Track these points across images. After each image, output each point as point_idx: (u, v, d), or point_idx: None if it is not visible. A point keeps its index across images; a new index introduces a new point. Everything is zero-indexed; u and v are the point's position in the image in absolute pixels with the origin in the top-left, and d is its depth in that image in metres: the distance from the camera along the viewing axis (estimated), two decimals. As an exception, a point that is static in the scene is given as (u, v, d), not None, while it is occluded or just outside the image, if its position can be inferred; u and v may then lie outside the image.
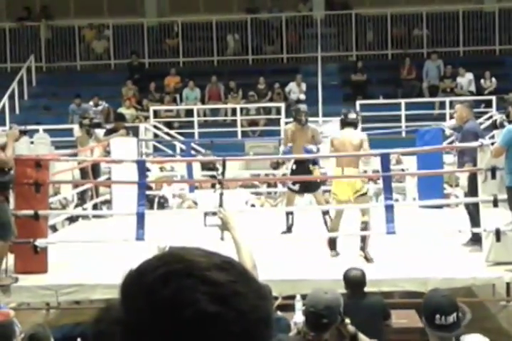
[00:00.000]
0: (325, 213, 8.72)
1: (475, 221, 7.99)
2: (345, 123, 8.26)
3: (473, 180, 8.36)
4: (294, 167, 8.99)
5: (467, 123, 8.88)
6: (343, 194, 7.98)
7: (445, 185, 11.54)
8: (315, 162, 9.00)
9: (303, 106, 9.35)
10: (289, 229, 9.03)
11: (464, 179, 9.10)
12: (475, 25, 19.54)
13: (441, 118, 16.02)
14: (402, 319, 6.56)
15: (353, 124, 8.27)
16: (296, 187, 8.92)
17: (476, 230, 7.84)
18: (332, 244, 8.11)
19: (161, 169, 13.88)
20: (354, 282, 5.84)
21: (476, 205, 8.12)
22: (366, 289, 5.98)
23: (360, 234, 7.92)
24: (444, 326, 3.57)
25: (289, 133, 9.05)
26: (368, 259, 7.69)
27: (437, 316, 3.55)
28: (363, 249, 7.82)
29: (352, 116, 8.26)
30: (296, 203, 9.79)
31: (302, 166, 8.85)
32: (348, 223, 8.39)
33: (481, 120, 15.32)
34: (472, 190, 8.39)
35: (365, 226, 7.92)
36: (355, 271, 5.90)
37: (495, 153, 7.51)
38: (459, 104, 9.25)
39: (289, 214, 9.03)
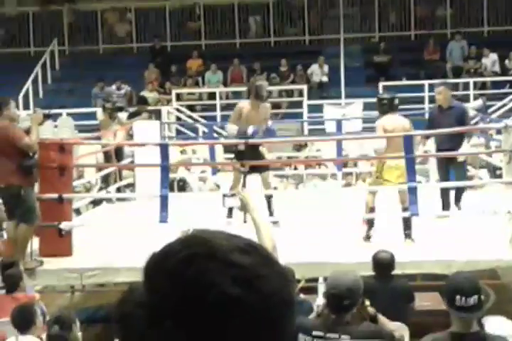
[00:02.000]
0: (270, 197, 8.45)
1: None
2: (392, 108, 8.09)
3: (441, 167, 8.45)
4: (242, 148, 8.48)
5: (456, 103, 9.11)
6: (398, 177, 7.83)
7: (469, 167, 11.46)
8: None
9: (264, 82, 9.18)
10: (229, 213, 8.49)
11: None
12: (499, 4, 19.29)
13: (465, 99, 15.88)
14: (426, 301, 6.57)
15: (397, 109, 8.17)
16: (246, 168, 8.50)
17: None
18: (370, 223, 7.98)
19: (182, 152, 13.89)
20: (381, 264, 5.86)
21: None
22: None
23: (402, 217, 7.80)
24: (465, 307, 3.56)
25: (243, 112, 8.58)
26: (411, 239, 7.63)
27: (457, 297, 3.56)
28: (407, 231, 7.71)
29: (396, 101, 8.16)
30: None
31: (251, 147, 8.43)
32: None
33: (505, 101, 15.23)
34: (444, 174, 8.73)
35: (407, 212, 7.78)
36: (384, 254, 5.92)
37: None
38: (441, 85, 9.29)
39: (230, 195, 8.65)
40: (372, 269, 5.90)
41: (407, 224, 7.77)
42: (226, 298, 0.99)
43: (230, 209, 8.36)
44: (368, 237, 7.92)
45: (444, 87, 9.21)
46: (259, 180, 8.67)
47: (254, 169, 8.61)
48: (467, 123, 9.15)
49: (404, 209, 7.82)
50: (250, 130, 8.48)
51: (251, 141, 8.38)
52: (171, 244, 1.06)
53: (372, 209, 8.03)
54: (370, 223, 8.01)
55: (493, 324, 3.97)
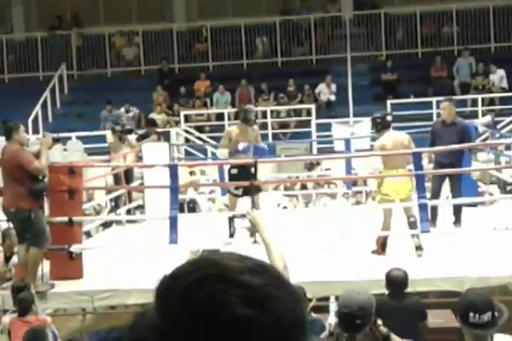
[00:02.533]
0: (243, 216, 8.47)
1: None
2: (386, 126, 8.26)
3: (438, 180, 8.47)
4: (235, 171, 8.58)
5: (459, 120, 9.25)
6: (398, 193, 7.97)
7: (479, 183, 11.44)
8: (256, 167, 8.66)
9: (251, 106, 9.33)
10: (231, 236, 8.49)
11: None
12: (506, 21, 19.34)
13: (474, 115, 15.89)
14: (439, 319, 6.52)
15: (390, 125, 8.37)
16: (239, 191, 8.53)
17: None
18: (383, 244, 8.04)
19: (191, 173, 13.91)
20: (394, 282, 5.83)
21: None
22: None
23: (410, 225, 7.92)
24: (478, 324, 3.55)
25: (232, 135, 8.62)
26: (418, 248, 7.71)
27: (471, 314, 3.54)
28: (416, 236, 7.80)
29: (389, 117, 8.36)
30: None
31: (244, 170, 8.45)
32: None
33: (514, 116, 15.22)
34: (436, 190, 8.85)
35: (413, 218, 7.89)
36: (397, 271, 5.89)
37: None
38: (446, 101, 9.49)
39: (232, 219, 8.49)
40: (386, 287, 5.87)
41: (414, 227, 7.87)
42: (238, 319, 0.98)
43: (233, 230, 8.36)
44: (377, 253, 7.97)
45: (449, 102, 9.38)
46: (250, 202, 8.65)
47: (246, 191, 8.56)
48: (469, 139, 9.25)
49: (410, 217, 7.90)
50: (241, 146, 8.56)
51: (242, 159, 8.49)
52: (182, 266, 1.06)
53: (386, 229, 8.07)
54: (384, 246, 8.05)
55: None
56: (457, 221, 8.92)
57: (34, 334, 5.29)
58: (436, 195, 9.07)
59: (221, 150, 8.73)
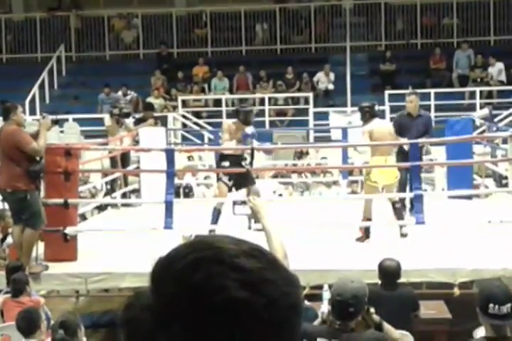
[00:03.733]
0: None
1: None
2: (374, 115, 8.53)
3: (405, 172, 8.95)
4: (227, 164, 8.54)
5: (423, 112, 9.81)
6: (385, 180, 8.29)
7: (474, 176, 11.46)
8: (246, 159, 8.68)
9: (252, 108, 9.33)
10: (217, 219, 8.40)
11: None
12: (506, 13, 19.31)
13: (472, 108, 15.89)
14: (431, 310, 6.54)
15: (377, 115, 8.68)
16: (231, 183, 8.46)
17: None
18: (367, 231, 8.23)
19: (189, 158, 13.90)
20: (387, 272, 5.85)
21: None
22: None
23: (395, 212, 8.22)
24: (498, 315, 3.59)
25: (232, 129, 8.54)
26: (403, 234, 7.99)
27: (491, 305, 3.59)
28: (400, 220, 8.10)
29: (377, 107, 8.72)
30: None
31: (236, 164, 8.49)
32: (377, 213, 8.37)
33: (511, 110, 15.22)
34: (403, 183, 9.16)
35: (399, 204, 8.23)
36: (390, 262, 5.91)
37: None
38: (413, 94, 9.97)
39: (217, 208, 8.40)
40: (378, 277, 5.89)
41: (399, 216, 8.16)
42: (233, 301, 0.98)
43: (218, 215, 8.33)
44: (361, 240, 8.15)
45: (415, 95, 9.91)
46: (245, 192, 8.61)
47: (240, 184, 8.54)
48: (431, 130, 9.79)
49: (395, 203, 8.19)
50: (249, 130, 8.53)
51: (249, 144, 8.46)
52: (178, 248, 1.06)
53: (368, 220, 8.25)
54: (367, 232, 8.21)
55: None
56: (412, 209, 9.10)
57: (27, 315, 5.30)
58: (403, 186, 9.36)
59: (228, 143, 8.54)
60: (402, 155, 9.28)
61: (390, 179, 8.36)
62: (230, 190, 8.57)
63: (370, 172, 8.36)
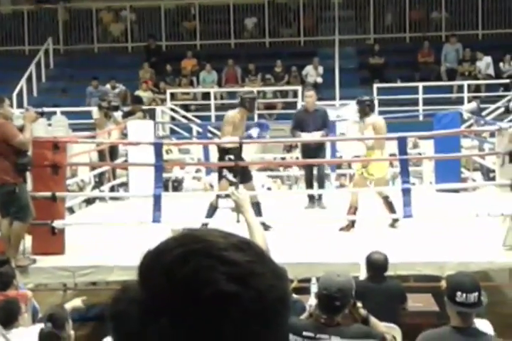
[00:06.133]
0: (258, 204, 8.29)
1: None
2: (373, 109, 8.84)
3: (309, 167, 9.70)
4: (232, 158, 8.38)
5: (319, 106, 10.11)
6: (379, 173, 8.53)
7: (462, 169, 11.49)
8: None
9: (255, 95, 9.33)
10: (212, 214, 8.30)
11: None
12: (494, 7, 19.35)
13: (460, 101, 15.93)
14: (418, 303, 6.57)
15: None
16: (237, 179, 8.31)
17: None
18: (352, 224, 8.40)
19: (167, 152, 13.67)
20: (375, 265, 5.87)
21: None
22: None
23: (388, 206, 8.42)
24: (465, 303, 3.63)
25: (236, 122, 8.39)
26: (393, 225, 8.26)
27: (458, 293, 3.65)
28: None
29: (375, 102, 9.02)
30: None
31: (238, 158, 8.46)
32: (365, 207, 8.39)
33: (499, 104, 15.27)
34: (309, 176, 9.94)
35: (390, 199, 8.41)
36: (378, 255, 5.92)
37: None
38: (311, 90, 10.41)
39: (213, 205, 8.28)
40: (366, 270, 5.91)
41: (392, 210, 8.34)
42: (222, 294, 0.99)
43: (213, 210, 8.29)
44: (347, 229, 8.34)
45: (313, 91, 10.37)
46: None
47: (242, 180, 8.39)
48: (328, 123, 10.16)
49: (386, 197, 8.40)
50: (255, 133, 8.47)
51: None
52: (166, 241, 1.06)
53: (355, 210, 8.46)
54: (352, 224, 8.37)
55: (477, 326, 4.01)
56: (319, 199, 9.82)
57: (6, 305, 5.29)
58: (310, 181, 10.01)
59: (229, 138, 8.35)
60: (304, 149, 9.98)
61: (383, 172, 8.64)
62: (236, 187, 8.43)
63: (368, 164, 8.52)
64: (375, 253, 5.95)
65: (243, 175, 8.42)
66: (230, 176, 8.30)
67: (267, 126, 8.74)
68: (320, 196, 9.92)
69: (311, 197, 9.92)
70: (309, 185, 10.07)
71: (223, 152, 8.52)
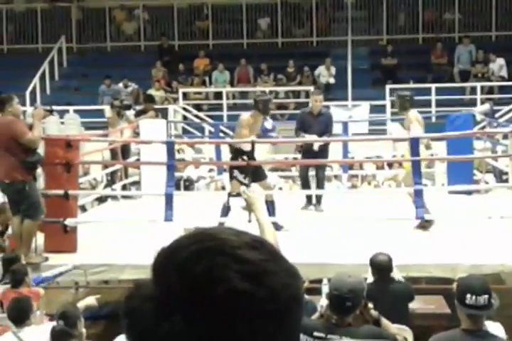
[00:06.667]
0: (272, 202, 8.38)
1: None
2: (413, 104, 8.77)
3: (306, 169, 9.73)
4: (247, 158, 8.42)
5: (324, 110, 10.10)
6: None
7: (475, 171, 11.45)
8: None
9: (270, 97, 9.34)
10: (226, 214, 8.26)
11: None
12: (508, 9, 19.27)
13: (472, 103, 15.88)
14: (430, 305, 6.56)
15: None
16: (247, 180, 8.28)
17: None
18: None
19: (178, 151, 13.66)
20: (380, 267, 5.83)
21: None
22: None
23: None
24: (474, 306, 3.62)
25: (250, 122, 8.42)
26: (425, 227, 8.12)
27: (468, 296, 3.64)
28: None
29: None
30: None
31: (252, 159, 8.49)
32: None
33: (512, 106, 15.22)
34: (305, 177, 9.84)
35: None
36: (382, 256, 5.87)
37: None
38: (320, 94, 10.34)
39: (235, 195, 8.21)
40: (372, 272, 5.85)
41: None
42: (235, 292, 0.99)
43: (227, 210, 8.28)
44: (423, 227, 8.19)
45: (322, 95, 10.35)
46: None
47: (254, 180, 8.32)
48: (332, 127, 10.09)
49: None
50: (269, 125, 8.45)
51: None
52: (180, 239, 1.06)
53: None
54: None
55: (489, 328, 4.00)
56: (318, 203, 9.70)
57: (18, 303, 5.31)
58: (306, 182, 9.93)
59: (246, 139, 8.36)
60: (306, 152, 9.80)
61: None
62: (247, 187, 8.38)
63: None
64: (379, 255, 5.89)
65: (256, 175, 8.40)
66: (241, 177, 8.31)
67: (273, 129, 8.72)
68: (319, 200, 9.78)
69: (309, 198, 9.80)
70: (306, 186, 9.94)
71: (238, 153, 8.51)
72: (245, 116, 8.61)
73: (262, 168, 8.91)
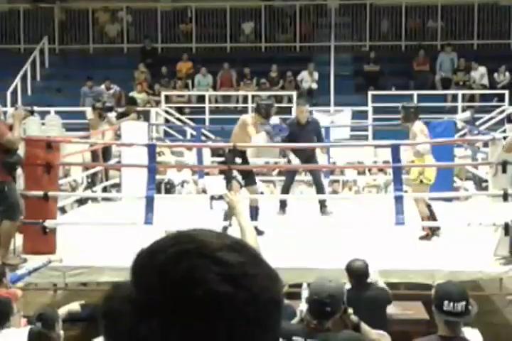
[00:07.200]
0: (257, 208, 8.41)
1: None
2: (417, 115, 8.74)
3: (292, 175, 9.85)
4: (239, 161, 8.43)
5: (311, 118, 10.09)
6: (434, 177, 8.44)
7: (455, 178, 11.51)
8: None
9: (272, 101, 9.30)
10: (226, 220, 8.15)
11: None
12: (490, 18, 19.42)
13: (454, 111, 15.98)
14: (409, 310, 6.57)
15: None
16: (243, 182, 8.36)
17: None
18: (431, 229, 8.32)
19: (159, 154, 13.59)
20: (357, 273, 5.83)
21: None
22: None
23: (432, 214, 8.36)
24: (452, 312, 3.63)
25: (249, 125, 8.35)
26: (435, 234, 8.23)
27: (445, 302, 3.66)
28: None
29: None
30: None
31: (245, 161, 8.53)
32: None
33: (493, 114, 15.33)
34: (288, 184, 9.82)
35: (430, 207, 8.39)
36: (359, 262, 5.88)
37: (507, 148, 7.48)
38: (305, 104, 10.31)
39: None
40: (348, 278, 5.84)
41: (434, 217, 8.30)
42: (214, 295, 0.99)
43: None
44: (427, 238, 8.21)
45: (307, 105, 10.45)
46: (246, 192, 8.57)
47: (247, 182, 8.46)
48: (321, 133, 10.22)
49: (428, 206, 8.34)
50: (277, 120, 8.43)
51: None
52: (160, 240, 1.06)
53: (428, 218, 8.33)
54: (432, 232, 8.29)
55: (467, 335, 4.02)
56: (324, 207, 9.63)
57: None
58: (287, 188, 9.93)
59: (255, 136, 8.31)
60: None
61: (434, 177, 8.51)
62: (241, 187, 8.43)
63: (424, 171, 8.38)
64: (356, 261, 5.88)
65: (248, 178, 8.41)
66: (240, 178, 8.30)
67: (286, 128, 8.67)
68: (324, 203, 9.65)
69: (282, 204, 9.73)
70: (285, 191, 9.88)
71: (235, 154, 8.42)
72: (245, 116, 8.65)
73: (254, 173, 8.89)
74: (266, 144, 8.86)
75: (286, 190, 9.95)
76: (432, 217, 8.35)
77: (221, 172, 9.11)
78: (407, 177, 8.80)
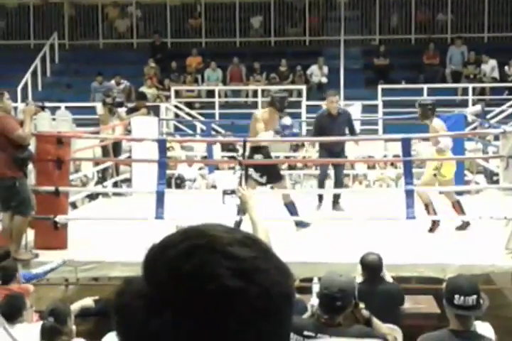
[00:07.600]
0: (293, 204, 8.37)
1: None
2: (434, 112, 8.77)
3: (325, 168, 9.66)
4: (260, 157, 8.36)
5: (342, 110, 9.92)
6: (451, 174, 8.50)
7: (466, 172, 11.48)
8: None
9: (286, 94, 9.16)
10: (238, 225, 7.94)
11: None
12: (500, 11, 19.32)
13: (464, 104, 15.90)
14: (420, 304, 6.56)
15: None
16: (264, 179, 8.30)
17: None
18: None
19: (169, 149, 13.60)
20: (371, 266, 5.82)
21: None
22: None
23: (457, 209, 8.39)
24: (463, 306, 3.63)
25: (265, 119, 8.30)
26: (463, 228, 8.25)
27: (456, 296, 3.65)
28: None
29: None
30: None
31: (267, 156, 8.49)
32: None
33: (504, 107, 15.26)
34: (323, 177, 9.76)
35: (459, 202, 8.45)
36: (372, 256, 5.87)
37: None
38: (335, 95, 10.06)
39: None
40: (362, 272, 5.84)
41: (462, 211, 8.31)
42: (226, 290, 0.99)
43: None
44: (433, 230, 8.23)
45: (337, 95, 10.16)
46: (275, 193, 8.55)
47: (270, 180, 8.41)
48: (353, 125, 10.10)
49: (457, 202, 8.41)
50: (288, 121, 8.42)
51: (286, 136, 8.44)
52: (171, 235, 1.06)
53: (432, 207, 8.34)
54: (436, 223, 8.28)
55: (478, 329, 4.01)
56: (336, 203, 9.55)
57: (11, 300, 5.28)
58: (322, 182, 9.81)
59: (264, 133, 8.23)
60: (325, 153, 9.59)
61: (452, 174, 8.60)
62: (262, 185, 8.38)
63: (442, 166, 8.42)
64: (370, 255, 5.86)
65: (271, 175, 8.33)
66: (256, 175, 8.22)
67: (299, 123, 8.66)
68: (337, 199, 9.60)
69: (321, 198, 9.62)
70: (321, 185, 9.78)
71: (254, 150, 8.39)
72: (259, 111, 8.63)
73: (278, 168, 8.81)
74: (281, 139, 8.81)
75: (321, 184, 9.83)
76: (461, 211, 8.36)
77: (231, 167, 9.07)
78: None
